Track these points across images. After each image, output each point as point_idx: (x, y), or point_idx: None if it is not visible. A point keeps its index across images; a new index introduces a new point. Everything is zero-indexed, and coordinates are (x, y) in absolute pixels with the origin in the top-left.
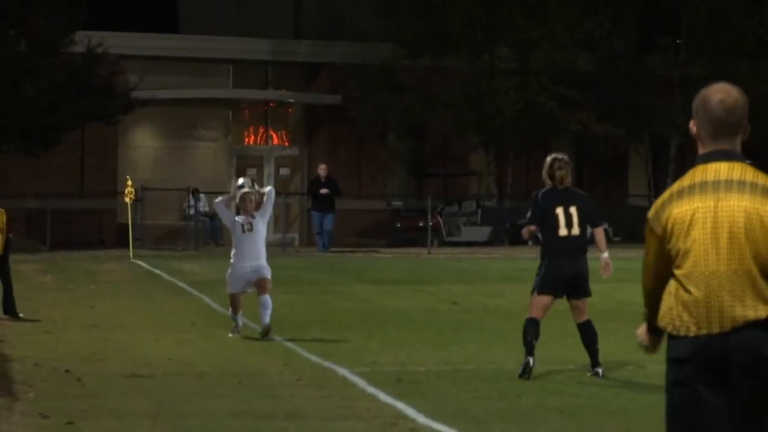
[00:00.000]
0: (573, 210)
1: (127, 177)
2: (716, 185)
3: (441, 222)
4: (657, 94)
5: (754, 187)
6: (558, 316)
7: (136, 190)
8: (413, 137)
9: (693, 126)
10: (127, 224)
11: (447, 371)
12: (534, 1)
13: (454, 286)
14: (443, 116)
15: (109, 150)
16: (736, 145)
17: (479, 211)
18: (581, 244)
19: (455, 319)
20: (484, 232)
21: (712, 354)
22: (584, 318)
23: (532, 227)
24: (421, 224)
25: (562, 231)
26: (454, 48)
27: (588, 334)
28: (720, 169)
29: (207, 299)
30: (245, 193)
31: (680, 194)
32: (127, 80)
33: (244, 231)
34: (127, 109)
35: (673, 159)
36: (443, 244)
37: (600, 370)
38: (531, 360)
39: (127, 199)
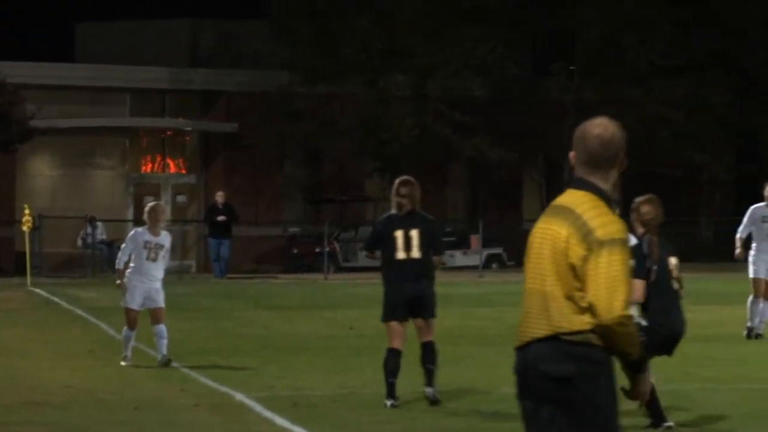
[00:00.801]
0: (414, 233)
1: (25, 205)
2: (548, 209)
3: (337, 248)
4: (551, 119)
5: (565, 210)
6: (450, 341)
7: (33, 219)
8: (310, 164)
9: (572, 157)
10: (25, 252)
11: (343, 395)
12: (428, 28)
13: (351, 311)
14: (340, 143)
15: (6, 178)
16: (608, 177)
17: None
18: (419, 268)
19: (352, 344)
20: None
21: (519, 368)
22: (427, 338)
23: (369, 253)
24: (317, 250)
25: (400, 254)
26: (350, 74)
27: (427, 354)
28: (565, 195)
29: (104, 326)
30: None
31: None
32: (25, 109)
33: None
34: (25, 138)
35: (566, 183)
36: (340, 269)
37: (430, 390)
38: (389, 403)
39: (24, 228)
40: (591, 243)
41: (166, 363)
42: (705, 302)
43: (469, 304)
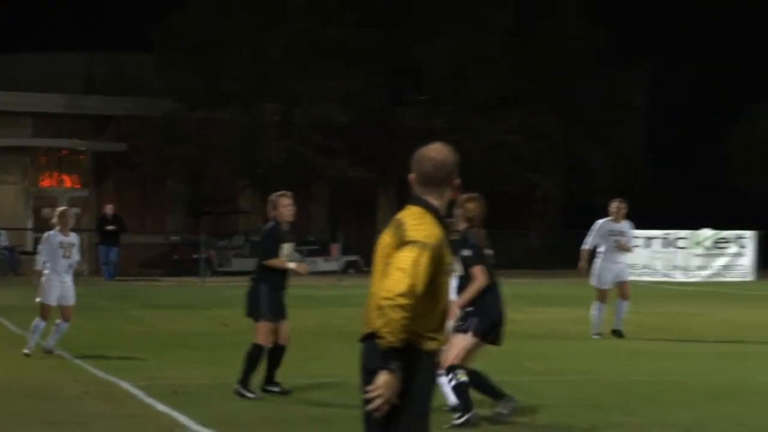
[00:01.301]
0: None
1: None
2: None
3: (213, 254)
4: (404, 144)
5: (396, 222)
6: (312, 338)
7: None
8: (191, 181)
9: (411, 178)
10: None
11: (218, 384)
12: (296, 62)
13: (225, 310)
14: (217, 162)
15: None
16: (442, 195)
17: (247, 244)
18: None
19: (226, 340)
20: (251, 263)
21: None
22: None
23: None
24: (195, 256)
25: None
26: (227, 102)
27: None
28: (403, 210)
29: (6, 322)
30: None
31: None
32: None
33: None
34: None
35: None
36: (215, 273)
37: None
38: (251, 395)
39: None
40: (401, 242)
41: (49, 351)
42: (538, 304)
43: (329, 305)
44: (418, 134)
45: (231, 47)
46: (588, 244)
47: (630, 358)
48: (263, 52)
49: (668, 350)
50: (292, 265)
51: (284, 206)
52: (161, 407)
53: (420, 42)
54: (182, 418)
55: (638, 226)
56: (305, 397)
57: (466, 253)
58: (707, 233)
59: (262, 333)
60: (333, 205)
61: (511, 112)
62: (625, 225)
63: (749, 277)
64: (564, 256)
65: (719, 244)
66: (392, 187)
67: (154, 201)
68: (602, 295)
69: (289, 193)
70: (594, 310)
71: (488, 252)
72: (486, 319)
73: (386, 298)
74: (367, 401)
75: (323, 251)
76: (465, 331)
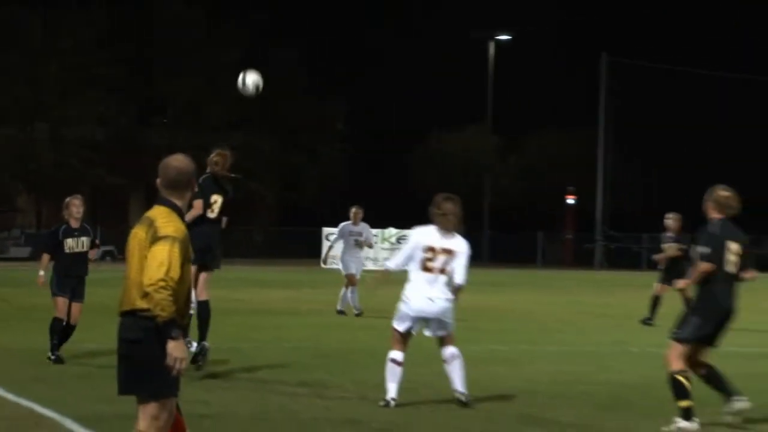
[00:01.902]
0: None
1: None
2: (141, 218)
3: None
4: (152, 157)
5: (147, 219)
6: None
7: None
8: None
9: (158, 182)
10: None
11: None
12: (64, 90)
13: (4, 288)
14: (4, 172)
15: None
16: (183, 196)
17: (23, 236)
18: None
19: (6, 313)
20: (26, 251)
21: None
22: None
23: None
24: None
25: None
26: (5, 121)
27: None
28: (152, 209)
29: None
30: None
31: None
32: None
33: None
34: None
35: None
36: None
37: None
38: (53, 356)
39: None
40: (154, 238)
41: None
42: (260, 286)
43: (90, 285)
44: (162, 150)
45: (9, 74)
46: (333, 242)
47: (334, 329)
48: (37, 81)
49: (370, 324)
50: (41, 273)
51: (74, 206)
52: None
53: (163, 76)
54: None
55: (335, 225)
56: (74, 360)
57: None
58: (392, 231)
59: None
60: (94, 205)
61: (236, 132)
62: (362, 226)
63: None
64: (280, 248)
65: (401, 240)
66: (141, 192)
67: None
68: (351, 280)
69: (79, 197)
70: (343, 293)
71: None
72: None
73: (150, 285)
74: (127, 360)
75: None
76: None
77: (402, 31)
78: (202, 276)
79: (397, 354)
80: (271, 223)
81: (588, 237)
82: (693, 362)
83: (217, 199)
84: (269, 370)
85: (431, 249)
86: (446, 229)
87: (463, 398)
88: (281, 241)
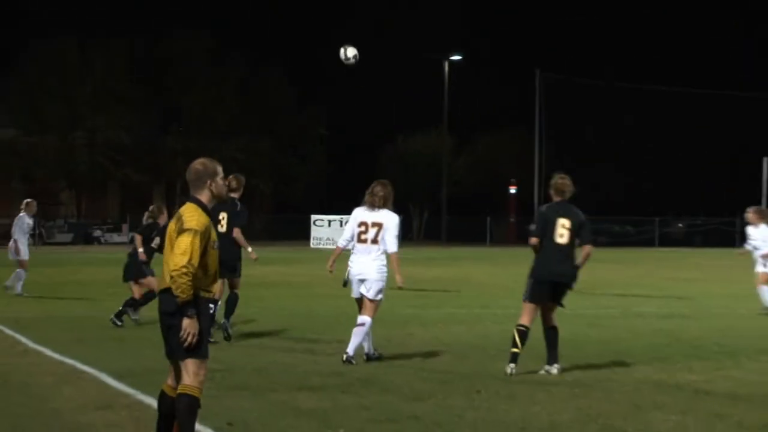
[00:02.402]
0: None
1: None
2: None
3: (44, 231)
4: (170, 159)
5: (178, 214)
6: (109, 284)
7: None
8: (27, 182)
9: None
10: None
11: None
12: (98, 104)
13: (52, 268)
14: (45, 171)
15: None
16: (204, 193)
17: (65, 225)
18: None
19: (50, 288)
20: (69, 237)
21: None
22: None
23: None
24: (30, 232)
25: None
26: (49, 131)
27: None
28: (184, 206)
29: None
30: None
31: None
32: None
33: None
34: None
35: (178, 195)
36: (45, 243)
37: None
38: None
39: None
40: (180, 230)
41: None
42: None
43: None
44: (178, 152)
45: (52, 93)
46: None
47: (322, 298)
48: (75, 98)
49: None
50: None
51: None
52: (7, 331)
53: (178, 92)
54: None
55: (324, 213)
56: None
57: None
58: None
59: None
60: (122, 198)
61: (239, 137)
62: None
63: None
64: (276, 232)
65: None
66: (161, 186)
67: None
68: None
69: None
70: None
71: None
72: None
73: (174, 270)
74: (170, 329)
75: (117, 229)
76: None
77: (374, 51)
78: (230, 281)
79: (358, 318)
80: (268, 212)
81: (528, 220)
82: (544, 319)
83: (224, 216)
84: (269, 332)
85: (363, 223)
86: (373, 205)
87: (344, 357)
88: (276, 227)
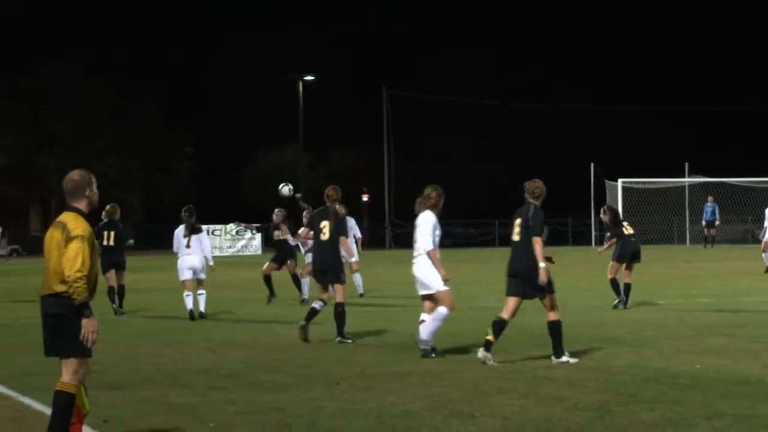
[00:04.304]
0: None
1: None
2: (54, 222)
3: None
4: (46, 177)
5: (61, 223)
6: None
7: None
8: None
9: (64, 192)
10: None
11: None
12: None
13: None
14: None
15: None
16: (83, 203)
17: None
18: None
19: None
20: None
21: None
22: None
23: None
24: None
25: None
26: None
27: None
28: (63, 215)
29: None
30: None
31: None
32: None
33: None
34: None
35: (53, 210)
36: None
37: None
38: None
39: None
40: (68, 238)
41: None
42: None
43: (2, 275)
44: (52, 171)
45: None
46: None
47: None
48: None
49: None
50: None
51: None
52: None
53: (53, 118)
54: None
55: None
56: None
57: None
58: (232, 226)
59: None
60: (1, 213)
61: (110, 157)
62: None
63: (258, 252)
64: (146, 241)
65: (239, 233)
66: (37, 203)
67: None
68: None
69: None
70: None
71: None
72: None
73: (70, 275)
74: (53, 330)
75: None
76: None
77: (230, 76)
78: (337, 287)
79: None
80: (139, 223)
81: (380, 225)
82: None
83: (325, 224)
84: (142, 333)
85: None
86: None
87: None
88: (147, 237)
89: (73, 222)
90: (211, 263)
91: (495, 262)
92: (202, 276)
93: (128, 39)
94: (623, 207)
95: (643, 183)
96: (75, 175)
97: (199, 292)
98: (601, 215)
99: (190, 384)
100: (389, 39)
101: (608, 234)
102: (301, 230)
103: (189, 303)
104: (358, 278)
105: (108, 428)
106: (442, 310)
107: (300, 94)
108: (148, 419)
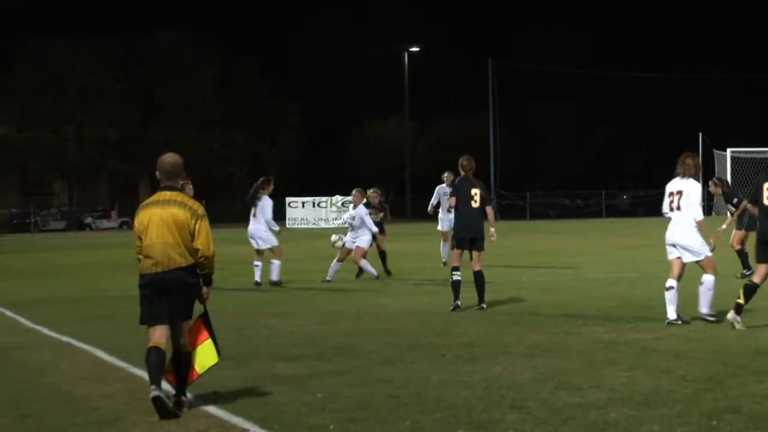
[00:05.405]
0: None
1: None
2: (157, 201)
3: (39, 219)
4: (153, 150)
5: (177, 202)
6: (105, 265)
7: None
8: (22, 175)
9: (158, 173)
10: None
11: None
12: (85, 101)
13: (45, 253)
14: (38, 165)
15: None
16: (178, 183)
17: (59, 213)
18: None
19: (44, 271)
20: (62, 224)
21: (159, 279)
22: None
23: None
24: (27, 220)
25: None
26: (41, 126)
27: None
28: (163, 193)
29: None
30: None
31: (144, 206)
32: None
33: None
34: None
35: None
36: (40, 231)
37: None
38: None
39: None
40: (196, 216)
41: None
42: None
43: (113, 248)
44: (160, 143)
45: (43, 92)
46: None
47: (298, 273)
48: (64, 95)
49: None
50: None
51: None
52: (8, 313)
53: (159, 89)
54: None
55: (298, 195)
56: (101, 304)
57: None
58: (338, 198)
59: None
60: (111, 187)
61: (216, 128)
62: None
63: None
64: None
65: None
66: (146, 177)
67: None
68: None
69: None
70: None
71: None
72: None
73: (209, 252)
74: (176, 299)
75: (107, 215)
76: None
77: (338, 46)
78: (475, 254)
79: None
80: (243, 197)
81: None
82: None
83: (477, 192)
84: (247, 306)
85: (672, 193)
86: (684, 175)
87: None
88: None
89: (192, 201)
90: (276, 228)
91: (599, 233)
92: (261, 245)
93: (234, 7)
94: (732, 177)
95: (754, 152)
96: (172, 157)
97: (271, 261)
98: (712, 188)
99: (297, 356)
100: (491, 8)
101: (730, 206)
102: (449, 199)
103: (256, 273)
104: (445, 248)
105: (217, 399)
106: (709, 278)
107: (405, 65)
108: (257, 391)
